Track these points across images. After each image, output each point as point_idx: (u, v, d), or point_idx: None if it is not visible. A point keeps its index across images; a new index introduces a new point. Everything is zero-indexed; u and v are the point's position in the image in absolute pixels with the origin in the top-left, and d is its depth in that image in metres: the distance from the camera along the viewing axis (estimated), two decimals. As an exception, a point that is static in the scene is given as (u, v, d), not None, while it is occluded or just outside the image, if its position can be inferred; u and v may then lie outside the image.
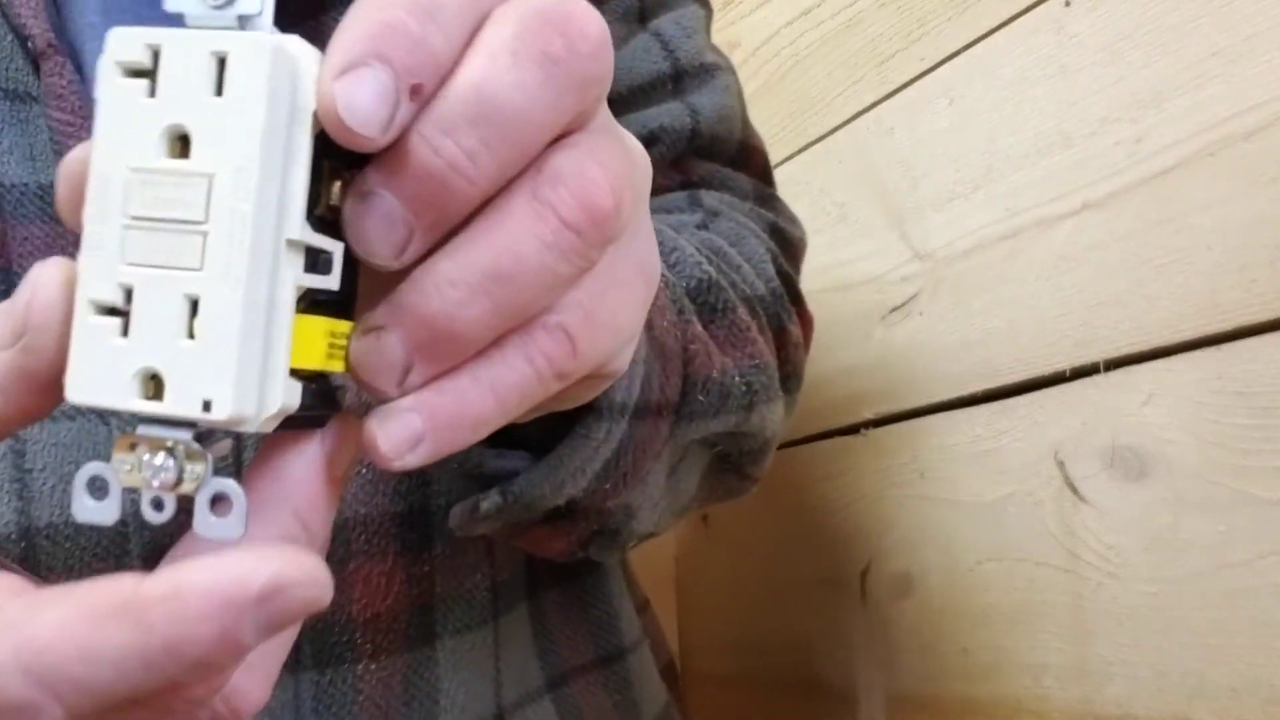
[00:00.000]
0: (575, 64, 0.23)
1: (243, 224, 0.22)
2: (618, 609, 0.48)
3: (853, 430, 0.63)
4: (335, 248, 0.23)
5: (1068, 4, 0.51)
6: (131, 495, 0.23)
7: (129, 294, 0.22)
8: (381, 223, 0.23)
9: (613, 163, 0.24)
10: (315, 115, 0.22)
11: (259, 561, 0.20)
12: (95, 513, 0.23)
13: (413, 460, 0.24)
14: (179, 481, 0.22)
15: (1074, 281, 0.50)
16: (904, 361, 0.59)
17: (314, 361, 0.23)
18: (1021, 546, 0.52)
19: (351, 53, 0.21)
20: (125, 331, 0.22)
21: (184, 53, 0.22)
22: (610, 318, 0.26)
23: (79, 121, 0.37)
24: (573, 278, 0.24)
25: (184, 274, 0.22)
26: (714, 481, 0.46)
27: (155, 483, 0.22)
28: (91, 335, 0.22)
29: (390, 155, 0.22)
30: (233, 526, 0.22)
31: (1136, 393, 0.47)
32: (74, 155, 0.23)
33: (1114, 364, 0.48)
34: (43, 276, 0.23)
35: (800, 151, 0.70)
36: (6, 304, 0.24)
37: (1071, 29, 0.50)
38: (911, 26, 0.60)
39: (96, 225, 0.22)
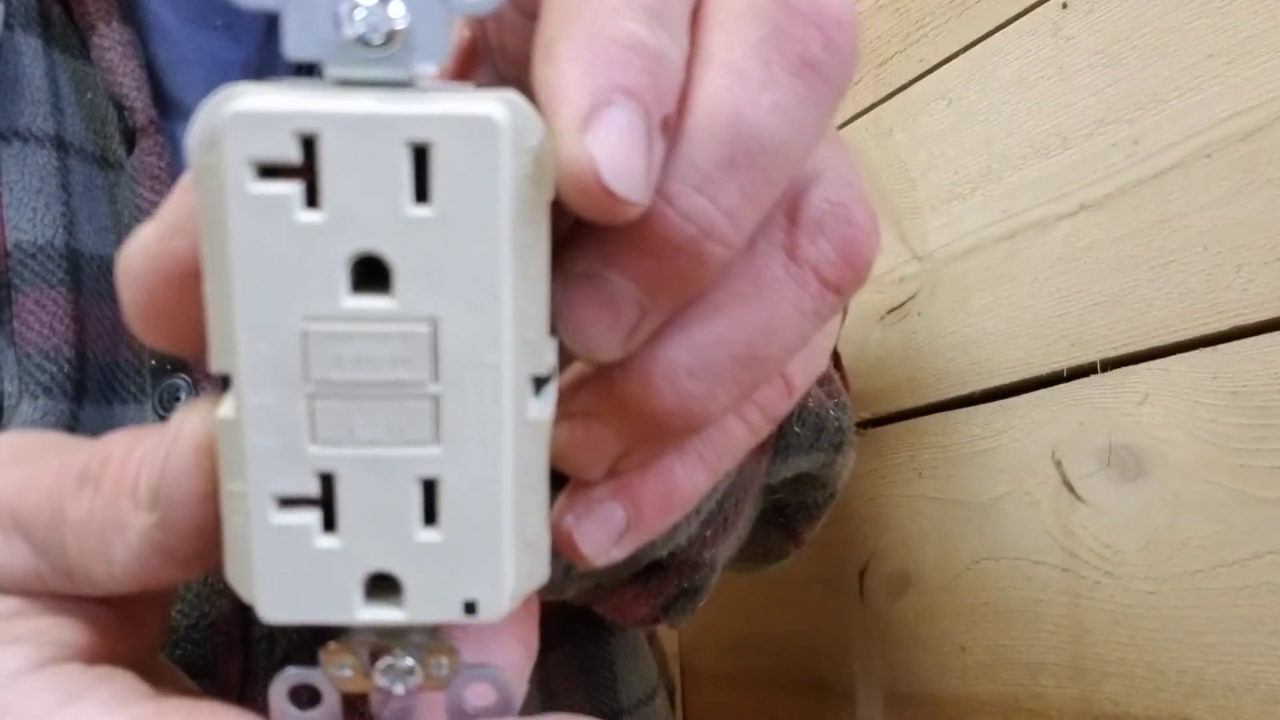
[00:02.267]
0: (836, 67, 0.17)
1: (493, 380, 0.16)
2: (618, 673, 0.45)
3: (851, 430, 0.63)
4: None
5: (1065, 6, 0.51)
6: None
7: (327, 480, 0.17)
8: (604, 312, 0.17)
9: (859, 182, 0.19)
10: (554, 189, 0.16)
11: None
12: None
13: (617, 555, 0.20)
14: (424, 682, 0.18)
15: (1071, 282, 0.50)
16: (902, 362, 0.60)
17: None
18: (1019, 546, 0.52)
19: (590, 88, 0.15)
20: (330, 525, 0.17)
21: (358, 142, 0.15)
22: (822, 346, 0.21)
23: None
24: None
25: (411, 451, 0.16)
26: (757, 536, 0.42)
27: (399, 689, 0.18)
28: (281, 538, 0.17)
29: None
30: (501, 712, 0.19)
31: (1133, 392, 0.47)
32: (141, 250, 0.18)
33: (1111, 364, 0.48)
34: (180, 433, 0.18)
35: (798, 152, 0.70)
36: (149, 449, 0.18)
37: (1069, 31, 0.51)
38: (910, 28, 0.60)
39: (263, 396, 0.16)
